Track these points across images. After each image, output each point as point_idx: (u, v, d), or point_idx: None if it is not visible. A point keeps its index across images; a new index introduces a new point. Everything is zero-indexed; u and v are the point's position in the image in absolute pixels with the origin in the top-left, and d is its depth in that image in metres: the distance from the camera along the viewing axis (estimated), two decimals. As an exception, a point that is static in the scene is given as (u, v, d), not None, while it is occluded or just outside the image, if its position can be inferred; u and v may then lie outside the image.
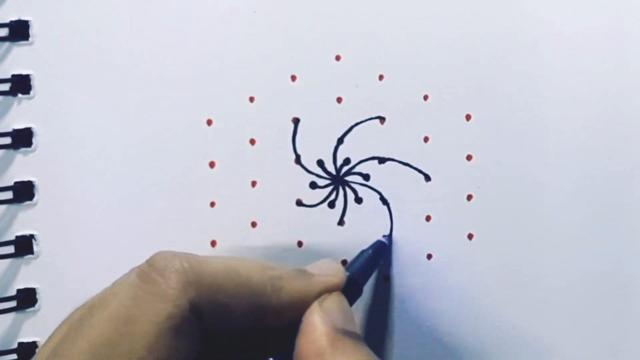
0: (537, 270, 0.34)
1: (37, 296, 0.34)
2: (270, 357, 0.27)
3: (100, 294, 0.25)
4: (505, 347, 0.35)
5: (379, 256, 0.33)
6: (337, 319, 0.26)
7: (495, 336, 0.34)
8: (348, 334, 0.26)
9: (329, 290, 0.28)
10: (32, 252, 0.34)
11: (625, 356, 0.35)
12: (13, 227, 0.34)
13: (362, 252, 0.33)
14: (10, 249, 0.34)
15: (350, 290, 0.29)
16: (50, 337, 0.25)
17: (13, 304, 0.34)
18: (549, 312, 0.34)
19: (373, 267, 0.33)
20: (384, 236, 0.34)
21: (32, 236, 0.34)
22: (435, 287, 0.34)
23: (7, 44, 0.34)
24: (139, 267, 0.25)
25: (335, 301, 0.27)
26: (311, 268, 0.29)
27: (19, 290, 0.34)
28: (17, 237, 0.34)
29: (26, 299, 0.34)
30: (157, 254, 0.25)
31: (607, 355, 0.35)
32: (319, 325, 0.26)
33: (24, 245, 0.34)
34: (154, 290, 0.24)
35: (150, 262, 0.25)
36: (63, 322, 0.25)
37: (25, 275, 0.34)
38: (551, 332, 0.34)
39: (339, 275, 0.29)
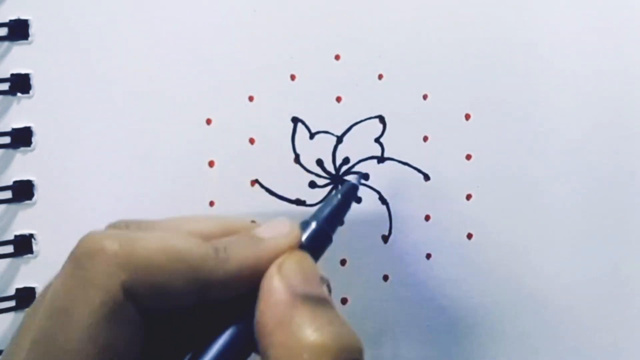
0: (537, 270, 0.34)
1: (37, 296, 0.34)
2: (229, 327, 0.25)
3: (47, 284, 0.25)
4: (505, 346, 0.35)
5: (350, 199, 0.31)
6: (297, 283, 0.25)
7: (495, 335, 0.34)
8: (309, 298, 0.25)
9: (281, 254, 0.26)
10: (31, 252, 0.34)
11: (625, 356, 0.35)
12: (12, 226, 0.34)
13: (331, 196, 0.31)
14: (10, 249, 0.34)
15: (318, 241, 0.28)
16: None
17: (12, 303, 0.34)
18: (548, 311, 0.35)
19: (343, 212, 0.31)
20: (355, 177, 0.32)
21: (31, 235, 0.34)
22: (435, 286, 0.34)
23: (6, 43, 0.34)
24: (72, 251, 0.24)
25: (294, 262, 0.26)
26: (262, 230, 0.27)
27: (18, 290, 0.34)
28: (16, 236, 0.34)
29: (25, 298, 0.34)
30: (86, 235, 0.24)
31: (607, 355, 0.35)
32: (277, 292, 0.24)
33: (23, 245, 0.34)
34: (84, 276, 0.23)
35: (79, 246, 0.24)
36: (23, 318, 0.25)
37: (25, 274, 0.34)
38: (550, 331, 0.34)
39: (292, 235, 0.27)
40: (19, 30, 0.34)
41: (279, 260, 0.26)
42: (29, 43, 0.34)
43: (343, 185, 0.31)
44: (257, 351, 0.25)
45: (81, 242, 0.24)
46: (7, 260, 0.34)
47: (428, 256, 0.34)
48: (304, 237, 0.28)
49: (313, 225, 0.28)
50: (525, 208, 0.34)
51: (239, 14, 0.34)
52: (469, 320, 0.34)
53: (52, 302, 0.23)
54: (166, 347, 0.26)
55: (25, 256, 0.34)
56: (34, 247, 0.34)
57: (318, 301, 0.25)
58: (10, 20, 0.34)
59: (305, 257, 0.27)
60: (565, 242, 0.35)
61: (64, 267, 0.24)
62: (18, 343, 0.23)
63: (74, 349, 0.22)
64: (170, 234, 0.25)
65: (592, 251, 0.34)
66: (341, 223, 0.31)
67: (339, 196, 0.30)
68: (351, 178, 0.32)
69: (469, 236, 0.34)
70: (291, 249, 0.26)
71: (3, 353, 0.24)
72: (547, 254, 0.34)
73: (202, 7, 0.34)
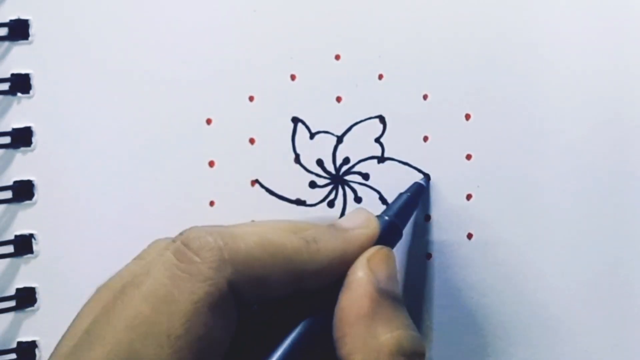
0: (537, 270, 0.34)
1: (37, 295, 0.34)
2: (310, 315, 0.26)
3: (130, 271, 0.25)
4: (505, 346, 0.34)
5: (417, 198, 0.33)
6: (381, 278, 0.26)
7: (495, 336, 0.34)
8: (390, 296, 0.26)
9: (365, 244, 0.27)
10: (31, 252, 0.34)
11: (625, 356, 0.35)
12: (12, 226, 0.34)
13: (400, 195, 0.32)
14: (10, 249, 0.34)
15: (390, 234, 0.29)
16: (79, 317, 0.25)
17: (12, 303, 0.34)
18: (548, 312, 0.34)
19: (412, 209, 0.33)
20: (422, 178, 0.34)
21: (31, 235, 0.34)
22: (434, 286, 0.34)
23: (6, 43, 0.34)
24: (172, 244, 0.25)
25: (383, 259, 0.27)
26: (343, 221, 0.28)
27: (18, 290, 0.34)
28: (16, 236, 0.34)
29: (25, 298, 0.34)
30: (191, 231, 0.25)
31: (607, 355, 0.35)
32: (364, 285, 0.26)
33: (23, 245, 0.34)
34: (191, 270, 0.24)
35: (184, 241, 0.25)
36: (93, 301, 0.25)
37: (25, 274, 0.34)
38: (551, 332, 0.34)
39: (372, 226, 0.28)
40: (19, 30, 0.34)
41: (368, 253, 0.27)
42: (29, 43, 0.34)
43: (411, 185, 0.33)
44: (332, 339, 0.25)
45: (187, 237, 0.25)
46: (7, 260, 0.34)
47: (428, 256, 0.34)
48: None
49: (386, 219, 0.30)
50: (525, 208, 0.34)
51: (239, 14, 0.34)
52: (469, 321, 0.34)
53: (154, 290, 0.24)
54: (252, 338, 0.26)
55: (25, 256, 0.34)
56: (34, 247, 0.34)
57: (397, 300, 0.27)
58: (10, 20, 0.34)
59: (391, 255, 0.28)
60: (565, 241, 0.34)
61: (161, 258, 0.25)
62: (106, 322, 0.23)
63: (174, 336, 0.23)
64: (265, 228, 0.27)
65: (593, 251, 0.34)
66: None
67: (408, 194, 0.32)
68: (419, 180, 0.34)
69: (469, 236, 0.34)
70: (373, 238, 0.28)
71: (74, 333, 0.24)
72: (548, 254, 0.34)
73: (202, 7, 0.34)
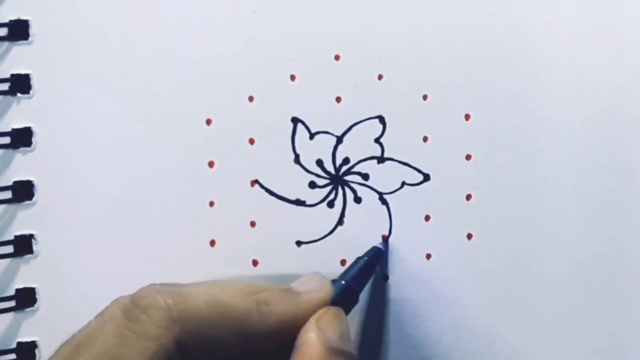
0: (536, 270, 0.34)
1: (36, 296, 0.34)
2: None
3: (85, 329, 0.25)
4: (505, 346, 0.35)
5: (375, 262, 0.33)
6: (333, 338, 0.26)
7: (495, 335, 0.34)
8: (342, 354, 0.26)
9: (317, 308, 0.28)
10: (31, 252, 0.34)
11: (624, 355, 0.35)
12: (12, 226, 0.34)
13: (358, 259, 0.33)
14: (10, 249, 0.34)
15: (346, 298, 0.29)
16: None
17: (12, 303, 0.34)
18: (548, 311, 0.34)
19: (369, 274, 0.33)
20: (380, 243, 0.34)
21: (31, 236, 0.34)
22: (434, 286, 0.34)
23: (6, 43, 0.34)
24: (122, 302, 0.25)
25: (332, 318, 0.27)
26: (297, 285, 0.29)
27: (18, 290, 0.34)
28: (16, 236, 0.34)
29: (25, 298, 0.34)
30: (140, 290, 0.25)
31: (606, 354, 0.35)
32: (314, 345, 0.26)
33: (23, 245, 0.34)
34: (139, 329, 0.24)
35: (133, 300, 0.25)
36: (53, 358, 0.25)
37: (25, 274, 0.34)
38: (550, 331, 0.34)
39: (325, 289, 0.28)
40: (19, 30, 0.34)
41: (317, 314, 0.27)
42: (29, 43, 0.34)
43: (369, 249, 0.33)
44: None
45: (136, 295, 0.25)
46: (7, 260, 0.34)
47: (428, 256, 0.34)
48: (334, 294, 0.29)
49: (342, 283, 0.30)
50: (525, 208, 0.34)
51: (239, 14, 0.34)
52: (469, 321, 0.34)
53: (104, 351, 0.24)
54: None
55: (25, 256, 0.34)
56: (34, 247, 0.34)
57: (349, 357, 0.27)
58: (10, 21, 0.34)
59: (342, 314, 0.28)
60: (565, 242, 0.34)
61: (111, 317, 0.25)
62: None
63: None
64: (216, 289, 0.27)
65: (592, 251, 0.34)
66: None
67: (366, 258, 0.32)
68: (378, 244, 0.34)
69: (469, 236, 0.34)
70: (325, 303, 0.28)
71: None
72: (547, 254, 0.34)
73: (202, 8, 0.34)
